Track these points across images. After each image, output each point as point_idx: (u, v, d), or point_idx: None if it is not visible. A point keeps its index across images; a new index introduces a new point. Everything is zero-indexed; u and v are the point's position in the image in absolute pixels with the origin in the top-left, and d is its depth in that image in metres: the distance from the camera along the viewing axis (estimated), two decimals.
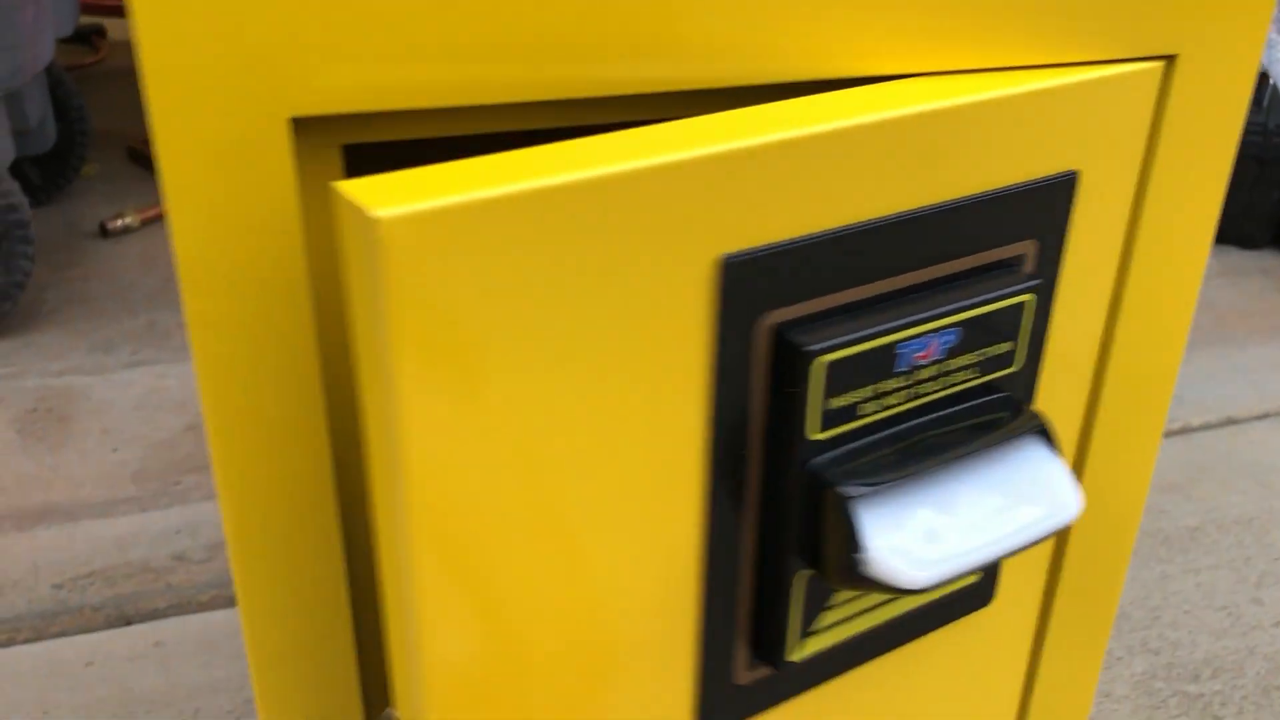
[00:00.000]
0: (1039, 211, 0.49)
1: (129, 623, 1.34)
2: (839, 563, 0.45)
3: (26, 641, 1.30)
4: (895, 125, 0.44)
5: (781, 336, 0.43)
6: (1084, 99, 0.48)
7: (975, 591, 0.57)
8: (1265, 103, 2.32)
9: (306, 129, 0.41)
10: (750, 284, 0.42)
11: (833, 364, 0.44)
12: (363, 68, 0.39)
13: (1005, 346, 0.49)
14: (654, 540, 0.45)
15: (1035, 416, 0.49)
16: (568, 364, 0.40)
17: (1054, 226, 0.50)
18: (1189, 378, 2.00)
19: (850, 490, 0.44)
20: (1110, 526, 0.61)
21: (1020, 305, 0.48)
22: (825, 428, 0.45)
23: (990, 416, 0.49)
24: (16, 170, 2.25)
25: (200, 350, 0.41)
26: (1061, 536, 0.61)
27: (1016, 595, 0.61)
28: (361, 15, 0.38)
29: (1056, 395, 0.55)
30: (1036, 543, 0.47)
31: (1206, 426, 1.86)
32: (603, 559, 0.44)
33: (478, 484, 0.40)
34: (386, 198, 0.34)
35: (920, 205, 0.45)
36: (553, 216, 0.37)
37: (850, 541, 0.44)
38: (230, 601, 1.40)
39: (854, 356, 0.44)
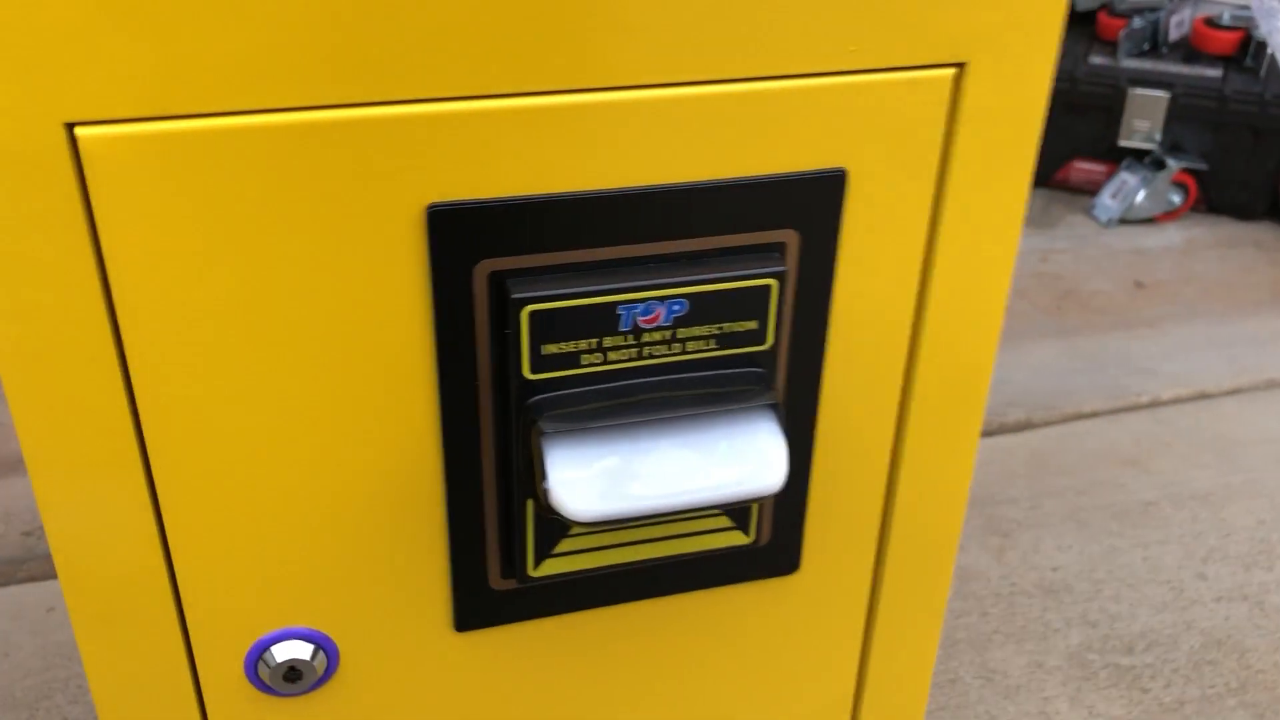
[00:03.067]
0: (799, 203, 0.51)
1: None
2: (535, 490, 0.51)
3: None
4: (632, 106, 0.48)
5: (496, 283, 0.49)
6: (856, 100, 0.50)
7: (764, 555, 0.60)
8: (1263, 73, 2.30)
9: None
10: (462, 233, 0.48)
11: (543, 313, 0.49)
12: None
13: (749, 325, 0.52)
14: (388, 443, 0.52)
15: (769, 393, 0.52)
16: (284, 296, 0.47)
17: (819, 219, 0.52)
18: (1165, 351, 2.00)
19: (546, 426, 0.50)
20: (933, 520, 0.63)
21: (764, 288, 0.51)
22: (539, 370, 0.50)
23: (732, 388, 0.53)
24: None
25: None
26: (887, 522, 0.63)
27: (834, 572, 0.63)
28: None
29: (857, 382, 0.57)
30: (723, 504, 0.51)
31: (1176, 400, 1.86)
32: (337, 473, 0.52)
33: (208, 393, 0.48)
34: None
35: (657, 182, 0.50)
36: (254, 152, 0.45)
37: (540, 471, 0.50)
38: None
39: (568, 309, 0.49)
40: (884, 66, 0.50)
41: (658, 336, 0.51)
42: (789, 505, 0.59)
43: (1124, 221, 2.42)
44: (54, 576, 1.43)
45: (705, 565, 0.60)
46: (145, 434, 0.49)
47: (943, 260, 0.55)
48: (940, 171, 0.53)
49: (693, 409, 0.51)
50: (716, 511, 0.57)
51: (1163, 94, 2.35)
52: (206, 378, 0.48)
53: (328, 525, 0.54)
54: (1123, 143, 2.42)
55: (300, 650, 0.56)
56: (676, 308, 0.51)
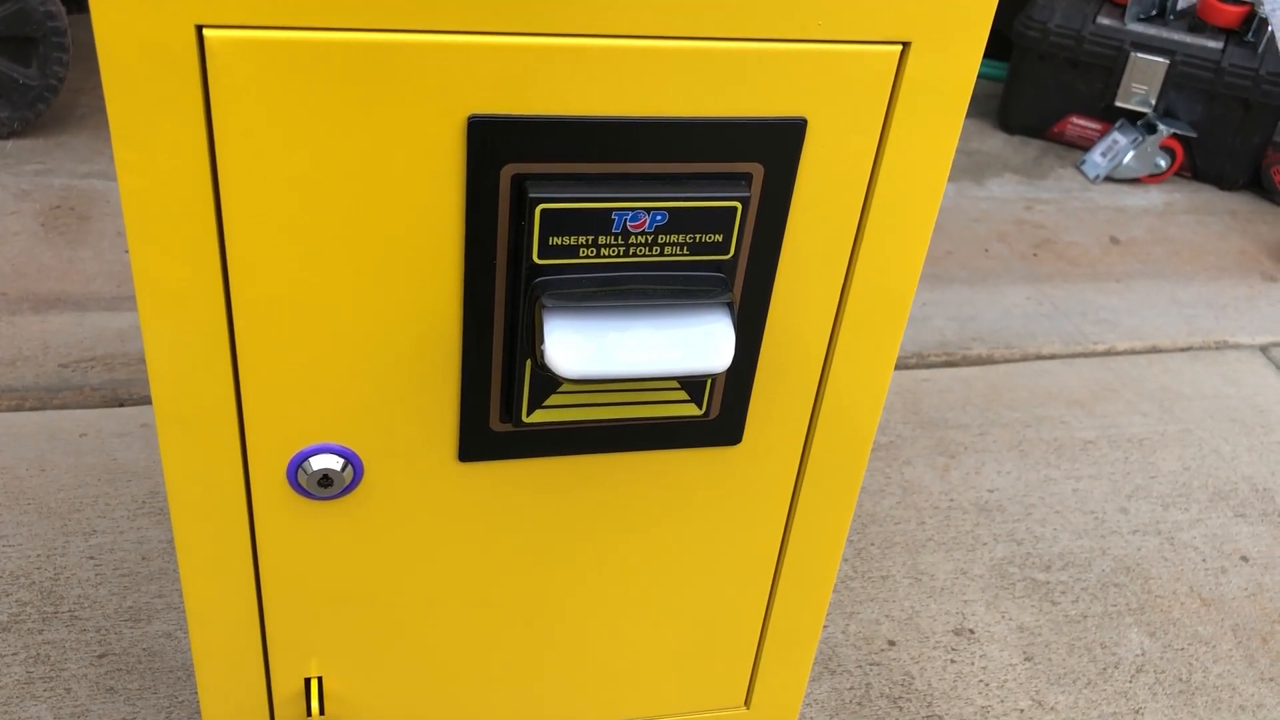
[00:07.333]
0: (766, 143, 0.64)
1: (121, 404, 1.58)
2: (533, 351, 0.64)
3: (31, 409, 1.55)
4: (638, 51, 0.60)
5: (517, 184, 0.62)
6: (819, 64, 0.62)
7: (713, 427, 0.74)
8: (1261, 49, 2.40)
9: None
10: (493, 140, 0.61)
11: (552, 211, 0.62)
12: None
13: (716, 237, 0.65)
14: (420, 305, 0.65)
15: (727, 294, 0.65)
16: (353, 180, 0.60)
17: (781, 157, 0.64)
18: (1128, 305, 2.15)
19: (546, 301, 0.63)
20: (855, 413, 0.76)
21: (731, 209, 0.64)
22: (545, 257, 0.63)
23: (699, 287, 0.66)
24: None
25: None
26: (817, 411, 0.76)
27: (770, 451, 0.77)
28: None
29: (801, 292, 0.70)
30: (679, 376, 0.64)
31: (1130, 351, 2.02)
32: (378, 324, 0.65)
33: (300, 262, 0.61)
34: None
35: (653, 114, 0.62)
36: (344, 63, 0.57)
37: (539, 336, 0.63)
38: None
39: (573, 210, 0.62)
40: (842, 39, 0.62)
41: (642, 240, 0.64)
42: (736, 388, 0.73)
43: (1110, 179, 2.53)
44: (86, 405, 1.58)
45: (664, 430, 0.74)
46: (230, 279, 0.62)
47: (879, 201, 0.68)
48: (883, 128, 0.65)
49: (664, 300, 0.64)
50: (675, 384, 0.70)
51: (1163, 60, 2.45)
52: (284, 238, 0.61)
53: (366, 365, 0.67)
54: (1119, 103, 2.51)
55: (333, 462, 0.70)
56: (659, 218, 0.64)
